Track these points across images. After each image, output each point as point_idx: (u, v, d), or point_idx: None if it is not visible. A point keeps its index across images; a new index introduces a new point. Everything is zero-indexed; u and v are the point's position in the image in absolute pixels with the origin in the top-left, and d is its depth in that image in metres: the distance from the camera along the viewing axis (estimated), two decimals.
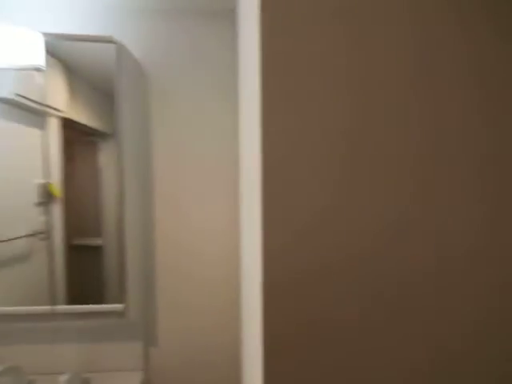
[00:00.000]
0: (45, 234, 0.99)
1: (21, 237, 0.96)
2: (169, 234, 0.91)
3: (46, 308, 0.80)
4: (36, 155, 0.97)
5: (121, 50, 0.77)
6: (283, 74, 0.28)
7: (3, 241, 0.94)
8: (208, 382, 0.95)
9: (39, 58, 0.77)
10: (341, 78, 0.29)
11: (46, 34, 0.76)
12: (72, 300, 0.84)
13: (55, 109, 0.82)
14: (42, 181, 0.97)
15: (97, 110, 0.98)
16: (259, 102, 0.29)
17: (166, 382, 0.96)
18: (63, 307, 0.80)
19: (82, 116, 0.93)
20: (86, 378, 0.85)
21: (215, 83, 0.90)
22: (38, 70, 0.78)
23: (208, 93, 0.90)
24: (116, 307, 0.80)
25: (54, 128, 0.84)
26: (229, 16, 0.87)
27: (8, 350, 0.89)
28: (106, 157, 1.00)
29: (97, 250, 0.95)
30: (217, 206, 0.92)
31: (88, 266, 0.95)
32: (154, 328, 0.91)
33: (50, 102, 0.82)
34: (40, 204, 0.98)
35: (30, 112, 0.92)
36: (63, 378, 0.76)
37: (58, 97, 0.84)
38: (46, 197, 0.99)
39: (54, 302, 0.80)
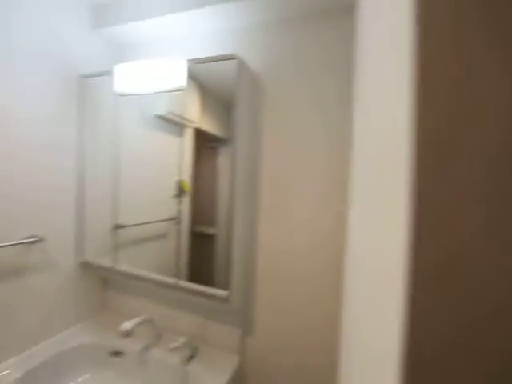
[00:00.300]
0: (177, 219, 1.25)
1: (163, 220, 1.24)
2: (272, 232, 0.96)
3: (173, 281, 0.99)
4: (175, 158, 1.23)
5: (240, 64, 0.87)
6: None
7: (152, 222, 1.25)
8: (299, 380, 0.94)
9: (182, 79, 0.96)
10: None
11: (188, 60, 0.94)
12: (191, 276, 1.01)
13: (191, 121, 1.02)
14: (178, 178, 1.22)
15: (218, 120, 1.16)
16: (410, 97, 0.24)
17: (258, 371, 1.01)
18: (184, 283, 0.98)
19: (208, 126, 1.12)
20: (195, 345, 1.01)
21: (330, 87, 0.89)
22: (181, 90, 0.98)
23: (323, 97, 0.90)
24: (221, 293, 0.90)
25: (188, 136, 1.03)
26: (347, 13, 0.83)
27: (144, 304, 1.16)
28: (222, 160, 1.16)
29: (211, 238, 1.12)
30: (322, 208, 0.90)
31: (203, 250, 1.14)
32: (252, 318, 0.98)
33: (188, 116, 1.02)
34: (175, 196, 1.24)
35: (174, 124, 1.18)
36: (182, 339, 0.92)
37: (193, 111, 1.03)
38: (180, 191, 1.24)
39: (178, 277, 0.98)
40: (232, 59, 0.85)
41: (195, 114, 1.05)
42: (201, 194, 1.13)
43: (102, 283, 1.24)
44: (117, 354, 1.03)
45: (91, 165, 1.12)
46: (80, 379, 0.99)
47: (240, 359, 0.99)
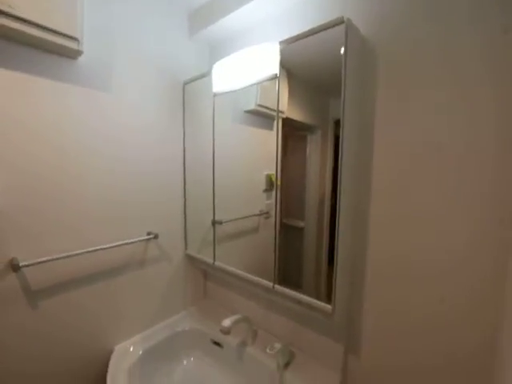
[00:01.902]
0: (267, 213, 1.22)
1: (254, 215, 1.24)
2: (385, 234, 0.78)
3: (268, 284, 0.95)
4: (264, 151, 1.19)
5: (349, 29, 0.71)
6: None
7: (245, 217, 1.26)
8: None
9: (275, 66, 0.87)
10: None
11: (281, 42, 0.84)
12: (284, 273, 0.95)
13: (280, 111, 0.94)
14: (267, 172, 1.19)
15: (307, 106, 1.04)
16: None
17: None
18: (280, 288, 0.92)
19: (296, 114, 1.02)
20: (291, 350, 0.95)
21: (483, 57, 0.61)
22: (273, 78, 0.91)
23: (470, 73, 0.63)
24: (323, 306, 0.80)
25: (276, 128, 0.96)
26: None
27: (240, 299, 1.17)
28: (311, 148, 1.05)
29: (300, 231, 1.06)
30: (453, 212, 0.67)
31: (293, 243, 1.08)
32: (359, 335, 0.84)
33: (277, 106, 0.95)
34: (265, 190, 1.21)
35: (263, 117, 1.14)
36: (278, 345, 0.88)
37: (282, 100, 0.96)
38: (269, 185, 1.20)
39: (274, 279, 0.94)
40: (339, 24, 0.71)
41: (284, 104, 0.97)
42: (289, 187, 1.06)
43: (202, 275, 1.34)
44: (217, 344, 1.08)
45: (192, 166, 1.20)
46: (185, 361, 1.09)
47: (341, 379, 0.87)
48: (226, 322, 0.90)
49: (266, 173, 1.18)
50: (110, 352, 0.98)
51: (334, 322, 0.78)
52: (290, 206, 1.09)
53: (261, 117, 1.14)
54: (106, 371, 0.88)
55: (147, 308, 1.11)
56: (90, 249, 0.88)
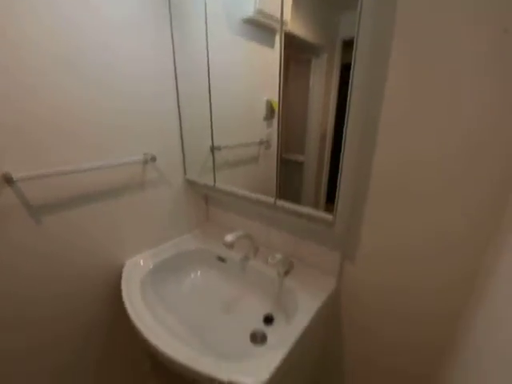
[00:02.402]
0: (268, 143, 1.18)
1: (254, 143, 1.19)
2: (393, 140, 0.72)
3: (270, 199, 0.96)
4: (264, 73, 1.08)
5: None
6: None
7: (245, 145, 1.22)
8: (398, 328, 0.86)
9: None
10: None
11: None
12: (282, 193, 0.96)
13: (283, 22, 0.81)
14: (267, 97, 1.09)
15: (314, 19, 0.89)
16: None
17: (352, 303, 0.96)
18: (282, 202, 0.93)
19: (301, 29, 0.88)
20: (291, 261, 1.02)
21: None
22: None
23: None
24: (325, 216, 0.81)
25: (278, 45, 0.84)
26: None
27: (241, 220, 1.21)
28: (315, 76, 0.95)
29: (299, 165, 1.06)
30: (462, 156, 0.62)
31: (293, 176, 1.06)
32: (356, 243, 0.88)
33: (279, 14, 0.80)
34: (265, 118, 1.14)
35: (262, 28, 0.99)
36: (278, 256, 0.93)
37: (286, 6, 0.81)
38: (270, 112, 1.12)
39: (276, 195, 0.94)
40: None
41: (287, 12, 0.83)
42: (290, 117, 0.99)
43: (204, 199, 1.35)
44: (222, 259, 1.15)
45: (185, 84, 1.09)
46: (193, 275, 1.18)
47: (337, 283, 0.95)
48: (229, 237, 0.93)
49: (266, 98, 1.09)
50: (120, 267, 1.05)
51: (335, 230, 0.81)
52: (290, 138, 1.03)
53: (261, 29, 0.99)
54: (115, 291, 0.94)
55: (151, 229, 1.15)
56: (86, 166, 0.86)
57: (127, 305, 0.85)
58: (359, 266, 0.90)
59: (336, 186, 0.77)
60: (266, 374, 0.62)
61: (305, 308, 0.83)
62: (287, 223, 1.03)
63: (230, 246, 0.93)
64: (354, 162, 0.77)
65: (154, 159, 1.05)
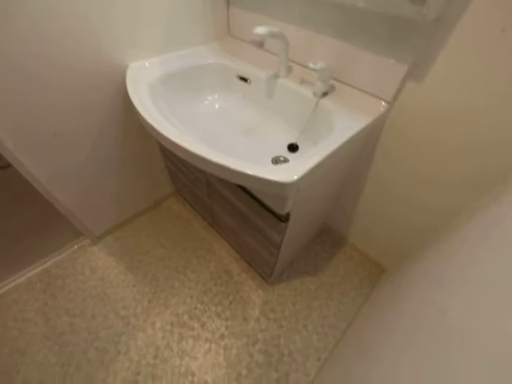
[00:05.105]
0: None
1: None
2: None
3: None
4: None
5: None
6: None
7: None
8: None
9: None
10: None
11: None
12: None
13: None
14: None
15: None
16: None
17: (395, 135, 0.82)
18: None
19: None
20: (331, 82, 0.81)
21: None
22: None
23: None
24: None
25: None
26: None
27: (274, 23, 0.89)
28: None
29: None
30: None
31: None
32: (432, 59, 0.63)
33: None
34: None
35: None
36: (320, 63, 0.71)
37: None
38: None
39: None
40: None
41: None
42: None
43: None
44: (244, 79, 0.95)
45: None
46: (210, 97, 1.00)
47: (388, 108, 0.76)
48: (260, 29, 0.68)
49: None
50: (124, 68, 0.86)
51: (424, 11, 0.53)
52: None
53: None
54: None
55: (155, 30, 0.88)
56: None
57: (134, 100, 0.73)
58: (428, 87, 0.69)
59: None
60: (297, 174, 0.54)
61: (339, 132, 0.68)
62: (339, 23, 0.74)
63: (260, 43, 0.70)
64: None
65: None
